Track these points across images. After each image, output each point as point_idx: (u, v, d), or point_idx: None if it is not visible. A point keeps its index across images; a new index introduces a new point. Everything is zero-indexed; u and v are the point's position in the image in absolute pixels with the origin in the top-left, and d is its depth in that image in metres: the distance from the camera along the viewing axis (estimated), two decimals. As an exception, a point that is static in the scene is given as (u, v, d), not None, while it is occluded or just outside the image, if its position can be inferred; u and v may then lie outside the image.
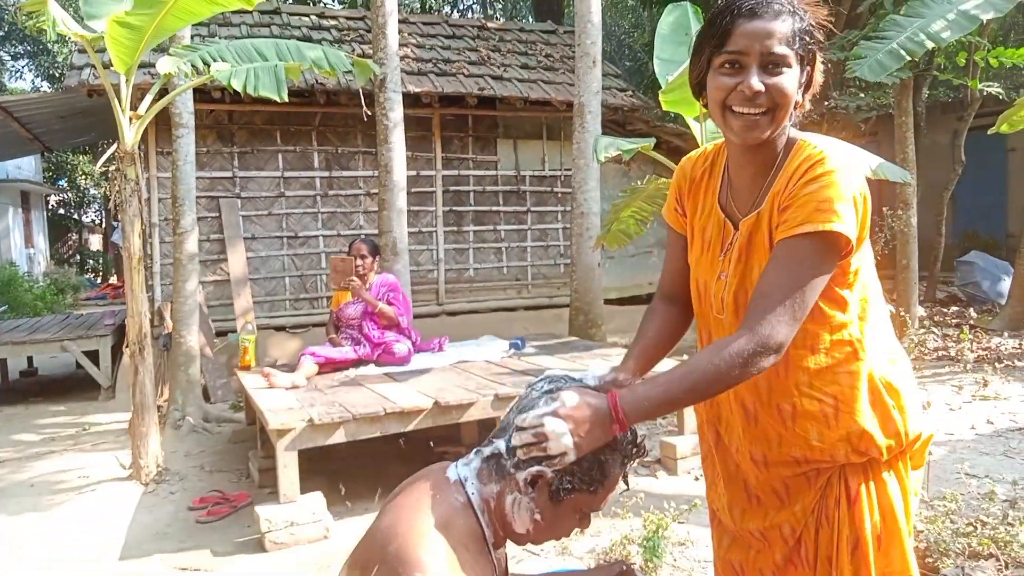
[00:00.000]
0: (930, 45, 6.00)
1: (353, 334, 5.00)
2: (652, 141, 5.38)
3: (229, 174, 7.11)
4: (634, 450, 1.38)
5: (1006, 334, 7.68)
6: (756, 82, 1.29)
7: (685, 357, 3.71)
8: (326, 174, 7.47)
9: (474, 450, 1.45)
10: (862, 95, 7.61)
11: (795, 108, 1.35)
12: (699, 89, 1.41)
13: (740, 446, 1.47)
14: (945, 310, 9.22)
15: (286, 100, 4.40)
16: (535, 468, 1.32)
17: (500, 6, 18.73)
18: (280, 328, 7.24)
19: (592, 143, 6.25)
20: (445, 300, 8.03)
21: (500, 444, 1.38)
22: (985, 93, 8.45)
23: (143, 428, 4.36)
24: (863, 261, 1.38)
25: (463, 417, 3.99)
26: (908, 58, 6.03)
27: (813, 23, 1.34)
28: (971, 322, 8.33)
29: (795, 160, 1.34)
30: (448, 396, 3.96)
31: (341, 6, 12.64)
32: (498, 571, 1.38)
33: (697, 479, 4.23)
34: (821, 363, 1.37)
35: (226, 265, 6.93)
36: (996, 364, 6.56)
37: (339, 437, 3.70)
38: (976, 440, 4.72)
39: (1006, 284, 9.05)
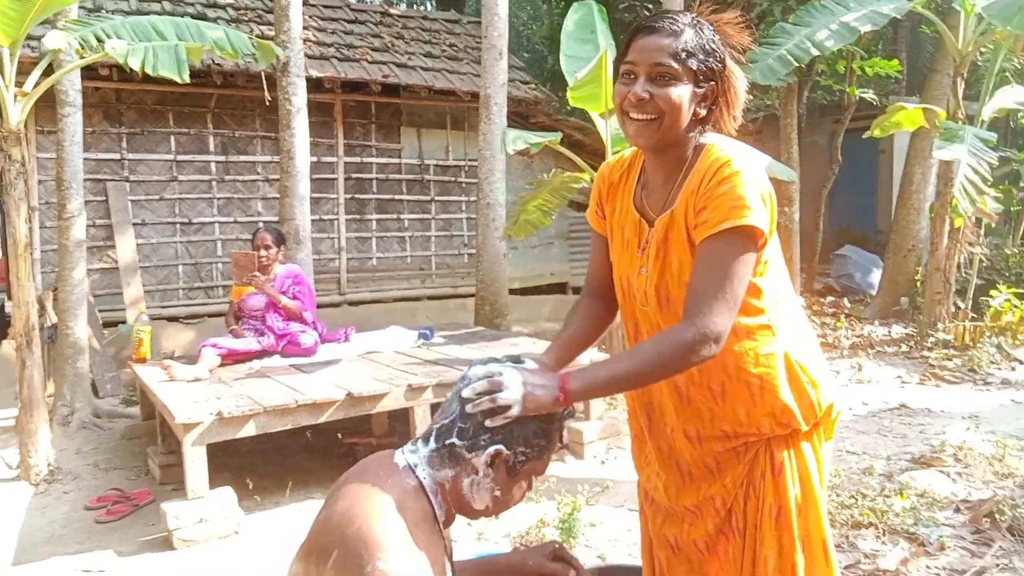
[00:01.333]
0: (815, 52, 6.43)
1: (256, 325, 4.87)
2: (559, 135, 5.52)
3: (117, 156, 6.73)
4: (566, 412, 1.49)
5: (876, 322, 8.33)
6: (640, 90, 1.42)
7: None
8: (222, 158, 7.20)
9: (418, 438, 1.49)
10: (751, 96, 8.02)
11: (703, 120, 1.47)
12: None
13: (674, 426, 1.58)
14: (822, 300, 9.89)
15: (187, 81, 4.23)
16: (493, 448, 1.40)
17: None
18: (173, 319, 6.93)
19: (499, 135, 6.32)
20: (347, 289, 7.92)
21: (454, 435, 1.44)
22: (859, 98, 9.10)
23: (31, 425, 4.10)
24: (772, 253, 1.51)
25: (376, 408, 3.99)
26: (796, 64, 6.45)
27: (715, 43, 1.45)
28: (846, 311, 8.97)
29: (704, 163, 1.46)
30: (360, 387, 3.94)
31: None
32: (447, 548, 1.46)
33: (603, 463, 4.39)
34: (744, 346, 1.49)
35: (113, 252, 6.57)
36: (869, 350, 7.11)
37: (249, 430, 3.62)
38: (854, 420, 5.11)
39: (876, 276, 9.79)
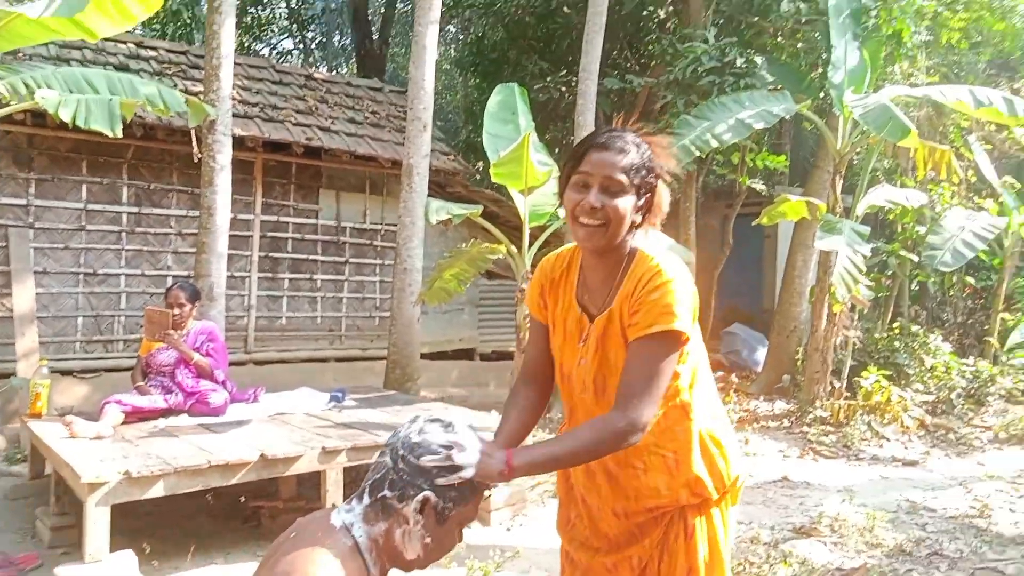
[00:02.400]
0: (715, 144, 7.02)
1: (164, 382, 4.79)
2: (480, 208, 5.79)
3: (23, 202, 6.53)
4: None
5: (762, 398, 8.87)
6: (595, 199, 1.65)
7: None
8: (135, 210, 7.08)
9: (353, 497, 1.61)
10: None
11: (637, 226, 1.71)
12: (561, 197, 1.75)
13: (602, 505, 1.79)
14: (713, 375, 10.44)
15: (119, 136, 4.26)
16: (422, 495, 1.51)
17: (320, 54, 18.70)
18: (67, 372, 6.66)
19: (420, 203, 6.54)
20: (254, 348, 7.82)
21: (385, 487, 1.55)
22: (749, 187, 9.88)
23: (-86, 482, 3.88)
24: (694, 342, 1.75)
25: (289, 471, 4.00)
26: (697, 153, 7.01)
27: (652, 162, 1.70)
28: (734, 387, 9.52)
29: (638, 269, 1.69)
30: (274, 449, 3.95)
31: (154, 33, 12.04)
32: None
33: (509, 530, 4.52)
34: (662, 425, 1.72)
35: (8, 300, 6.31)
36: (755, 424, 7.58)
37: (158, 491, 3.58)
38: (742, 491, 5.45)
39: (762, 353, 10.42)
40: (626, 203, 1.66)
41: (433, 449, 1.54)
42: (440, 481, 1.53)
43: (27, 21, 3.59)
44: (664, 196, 1.74)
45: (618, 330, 1.69)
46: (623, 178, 1.65)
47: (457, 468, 1.53)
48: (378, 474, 1.57)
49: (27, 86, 4.20)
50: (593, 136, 1.71)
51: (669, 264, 1.68)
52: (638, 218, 1.70)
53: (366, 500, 1.56)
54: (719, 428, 1.81)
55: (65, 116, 4.09)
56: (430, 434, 1.57)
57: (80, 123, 4.10)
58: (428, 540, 1.54)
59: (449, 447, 1.54)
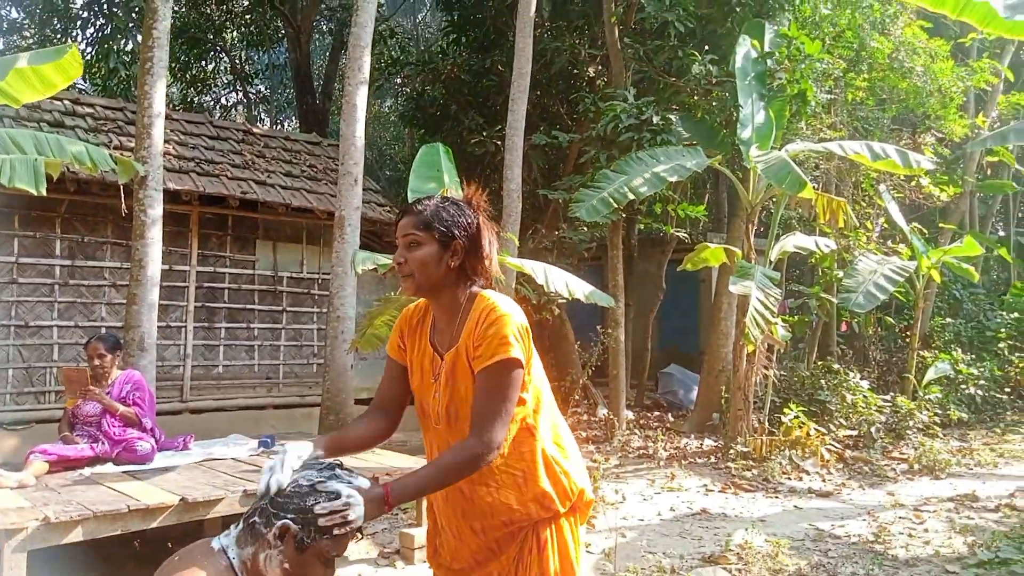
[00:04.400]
0: (632, 196, 7.42)
1: (91, 431, 4.87)
2: (405, 258, 6.03)
3: (-48, 256, 6.60)
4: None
5: (693, 435, 9.18)
6: (398, 255, 1.95)
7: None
8: (68, 263, 7.16)
9: (232, 524, 1.82)
10: (584, 228, 9.02)
11: (462, 272, 1.94)
12: None
13: (461, 524, 2.02)
14: (650, 414, 10.75)
15: (43, 194, 4.42)
16: (281, 522, 1.67)
17: (264, 108, 18.97)
18: (-4, 424, 6.64)
19: (351, 254, 6.77)
20: (190, 397, 7.87)
21: (256, 515, 1.73)
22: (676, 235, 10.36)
23: None
24: (534, 371, 2.00)
25: (210, 513, 4.12)
26: (616, 205, 7.40)
27: (456, 212, 1.94)
28: (668, 425, 9.83)
29: (477, 309, 1.95)
30: (195, 493, 4.07)
31: (95, 88, 12.18)
32: None
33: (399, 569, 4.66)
34: (511, 446, 1.96)
35: (-64, 354, 6.31)
36: (682, 461, 7.86)
37: (76, 536, 3.66)
38: (661, 524, 5.70)
39: (696, 393, 10.79)
40: (425, 254, 1.91)
41: (323, 497, 1.69)
42: (337, 532, 1.67)
43: (-48, 88, 3.76)
44: (487, 238, 1.98)
45: (465, 364, 1.94)
46: (419, 233, 1.92)
47: (352, 522, 1.69)
48: (254, 504, 1.75)
49: (-46, 146, 4.35)
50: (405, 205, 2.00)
51: (503, 302, 1.95)
52: (454, 263, 1.93)
53: (240, 526, 1.76)
54: (561, 449, 2.06)
55: (-9, 176, 4.24)
56: (301, 479, 1.72)
57: (4, 182, 4.24)
58: (287, 566, 1.68)
59: (344, 506, 1.68)
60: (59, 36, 11.95)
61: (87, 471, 4.62)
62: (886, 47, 9.78)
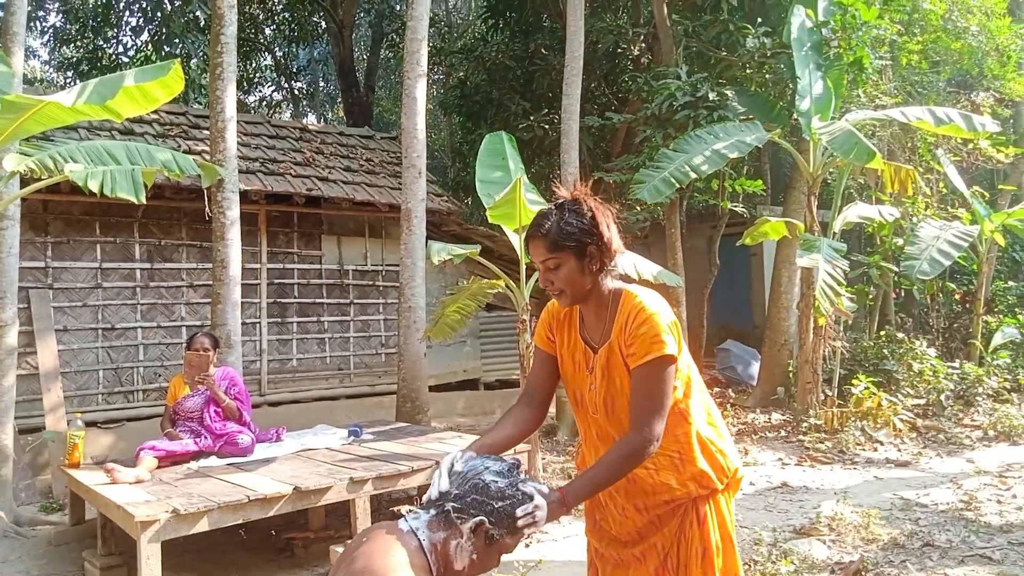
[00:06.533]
0: (694, 176, 7.40)
1: (193, 426, 5.08)
2: (478, 247, 6.13)
3: (42, 264, 6.84)
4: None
5: (758, 410, 9.19)
6: (543, 281, 2.05)
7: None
8: (148, 266, 7.40)
9: (419, 508, 1.94)
10: (639, 209, 9.02)
11: (600, 269, 2.01)
12: None
13: (624, 504, 2.12)
14: (710, 390, 10.72)
15: (144, 202, 4.59)
16: (478, 518, 1.83)
17: (307, 102, 19.18)
18: (91, 424, 6.90)
19: (419, 245, 6.89)
20: (268, 390, 8.10)
21: (448, 504, 1.86)
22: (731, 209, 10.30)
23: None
24: (684, 359, 2.09)
25: (321, 501, 4.29)
26: (677, 185, 7.39)
27: (580, 220, 1.98)
28: (731, 401, 9.83)
29: (626, 308, 2.03)
30: (306, 482, 4.24)
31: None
32: None
33: (528, 545, 4.77)
34: (666, 430, 2.04)
35: (33, 359, 6.59)
36: (753, 436, 7.88)
37: (203, 526, 3.85)
38: (744, 498, 5.74)
39: (756, 368, 10.76)
40: (569, 270, 2.01)
41: (515, 499, 1.85)
42: (520, 523, 1.84)
43: (59, 107, 3.91)
44: (611, 234, 2.03)
45: (619, 359, 2.04)
46: (554, 255, 2.00)
47: (536, 522, 1.85)
48: (445, 491, 1.87)
49: (55, 161, 4.53)
50: (528, 228, 2.07)
51: (650, 299, 2.04)
52: (595, 266, 2.02)
53: (432, 512, 1.88)
54: (714, 430, 2.15)
55: (94, 187, 4.39)
56: (497, 479, 1.87)
57: (107, 192, 4.40)
58: (474, 557, 1.85)
59: (534, 509, 1.84)
60: (111, 45, 12.22)
61: (193, 465, 4.83)
62: (940, 7, 9.58)
